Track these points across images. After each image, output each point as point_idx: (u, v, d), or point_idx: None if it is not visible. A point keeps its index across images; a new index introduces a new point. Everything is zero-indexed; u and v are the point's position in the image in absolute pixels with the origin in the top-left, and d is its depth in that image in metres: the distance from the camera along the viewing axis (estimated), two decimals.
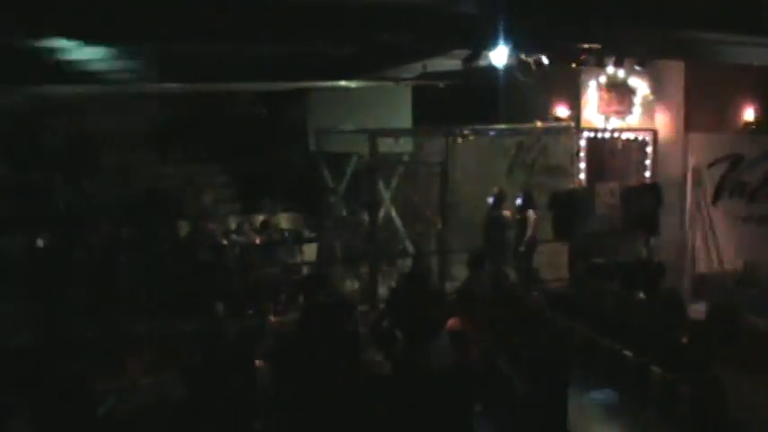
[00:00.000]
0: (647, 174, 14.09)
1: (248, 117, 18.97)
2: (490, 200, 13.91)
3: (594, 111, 14.21)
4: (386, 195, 15.20)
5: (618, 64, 13.19)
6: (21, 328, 10.35)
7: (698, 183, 13.47)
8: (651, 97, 13.96)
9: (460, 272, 12.67)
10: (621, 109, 14.03)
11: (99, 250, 13.47)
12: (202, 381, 7.73)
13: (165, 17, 9.58)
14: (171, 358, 8.66)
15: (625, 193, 14.22)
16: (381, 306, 11.50)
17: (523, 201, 13.89)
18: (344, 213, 15.22)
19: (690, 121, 13.61)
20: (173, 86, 14.68)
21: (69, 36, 9.59)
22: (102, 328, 10.87)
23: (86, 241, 13.70)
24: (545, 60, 11.58)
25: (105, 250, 13.45)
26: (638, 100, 13.99)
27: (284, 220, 15.69)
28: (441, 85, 15.07)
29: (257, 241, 14.48)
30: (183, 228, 14.95)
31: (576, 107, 14.70)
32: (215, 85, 15.08)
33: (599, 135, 14.34)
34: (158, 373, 8.60)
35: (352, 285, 12.76)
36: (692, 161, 13.62)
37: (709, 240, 13.12)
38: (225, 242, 14.33)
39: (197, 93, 16.34)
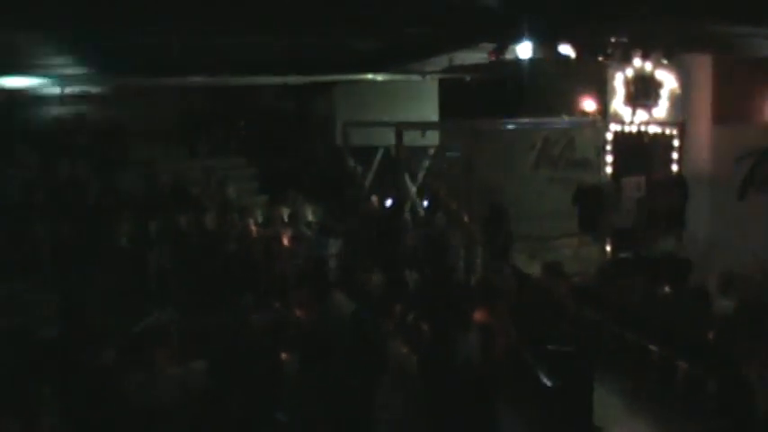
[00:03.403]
0: (674, 167, 13.99)
1: (275, 110, 19.06)
2: (389, 202, 13.89)
3: (621, 104, 14.14)
4: (412, 188, 15.21)
5: (645, 57, 13.12)
6: (49, 318, 10.38)
7: (725, 176, 13.35)
8: (678, 90, 13.86)
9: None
10: (648, 102, 13.93)
11: (127, 242, 13.58)
12: (229, 372, 7.79)
13: (192, 8, 9.65)
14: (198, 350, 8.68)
15: (651, 187, 14.14)
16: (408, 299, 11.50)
17: (431, 203, 13.90)
18: (370, 205, 15.24)
19: (717, 115, 13.49)
20: (200, 80, 14.78)
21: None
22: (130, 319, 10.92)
23: (114, 233, 13.79)
24: (571, 54, 11.56)
25: (133, 242, 13.56)
26: (665, 93, 13.88)
27: (310, 213, 15.72)
28: (467, 78, 15.07)
29: (283, 233, 14.50)
30: (210, 220, 15.01)
31: (602, 100, 14.64)
32: (242, 79, 15.16)
33: (625, 129, 14.28)
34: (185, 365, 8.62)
35: (377, 278, 12.75)
36: (719, 155, 13.51)
37: (737, 235, 13.01)
38: (251, 234, 14.35)
39: (225, 86, 16.44)
